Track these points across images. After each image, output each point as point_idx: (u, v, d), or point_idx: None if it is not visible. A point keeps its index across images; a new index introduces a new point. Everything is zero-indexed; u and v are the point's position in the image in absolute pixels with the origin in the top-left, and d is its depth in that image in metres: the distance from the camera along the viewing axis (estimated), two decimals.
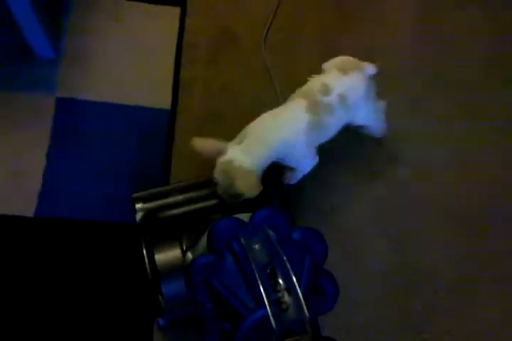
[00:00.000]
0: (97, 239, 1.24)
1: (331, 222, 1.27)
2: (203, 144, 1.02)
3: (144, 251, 1.03)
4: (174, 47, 1.44)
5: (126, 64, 1.40)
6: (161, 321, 1.00)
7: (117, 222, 1.25)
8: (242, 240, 0.69)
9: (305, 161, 1.15)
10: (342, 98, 1.10)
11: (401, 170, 1.37)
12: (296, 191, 1.28)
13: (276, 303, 0.63)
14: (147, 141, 1.33)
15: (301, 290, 0.63)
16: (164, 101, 1.38)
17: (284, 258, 0.66)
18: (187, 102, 1.39)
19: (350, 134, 1.36)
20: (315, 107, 1.08)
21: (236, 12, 1.50)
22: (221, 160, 1.01)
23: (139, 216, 1.14)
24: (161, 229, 1.08)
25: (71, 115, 1.32)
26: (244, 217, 0.78)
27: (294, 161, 1.13)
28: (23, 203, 1.22)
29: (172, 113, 1.37)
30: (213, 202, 1.17)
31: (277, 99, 1.41)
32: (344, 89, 1.10)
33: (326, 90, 1.09)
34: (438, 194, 1.37)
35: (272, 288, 0.64)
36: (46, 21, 1.30)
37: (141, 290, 1.15)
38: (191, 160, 1.33)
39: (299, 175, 1.19)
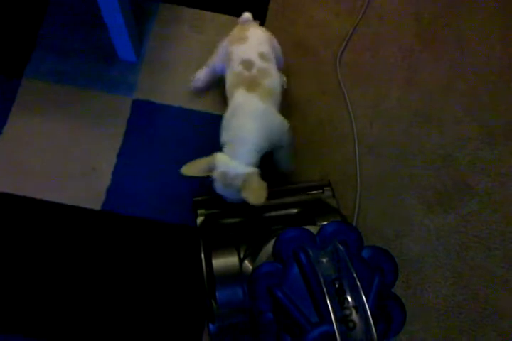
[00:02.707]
0: (155, 238, 1.26)
1: (394, 249, 1.23)
2: (191, 169, 0.98)
3: (202, 255, 1.04)
4: None
5: None
6: (211, 327, 0.99)
7: (176, 223, 1.27)
8: (310, 252, 0.67)
9: (284, 129, 1.12)
10: (262, 56, 1.10)
11: (474, 203, 1.32)
12: (359, 214, 1.26)
13: (342, 321, 0.61)
14: (215, 147, 1.35)
15: (369, 309, 0.61)
16: None
17: (354, 275, 0.64)
18: None
19: (420, 162, 1.33)
20: (256, 85, 1.06)
21: (313, 29, 1.51)
22: (215, 174, 0.99)
23: (199, 220, 1.15)
24: (220, 235, 1.08)
25: (145, 117, 1.37)
26: (312, 229, 0.76)
27: (278, 138, 1.11)
28: (93, 197, 1.27)
29: None
30: (273, 213, 1.17)
31: (349, 117, 1.40)
32: (256, 50, 1.10)
33: (248, 65, 1.08)
34: None
35: (339, 305, 0.62)
36: (132, 27, 1.36)
37: (195, 294, 1.15)
38: None
39: (289, 151, 1.17)
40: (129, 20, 1.31)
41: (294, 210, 1.16)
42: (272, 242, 0.76)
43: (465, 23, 1.53)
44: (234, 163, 0.99)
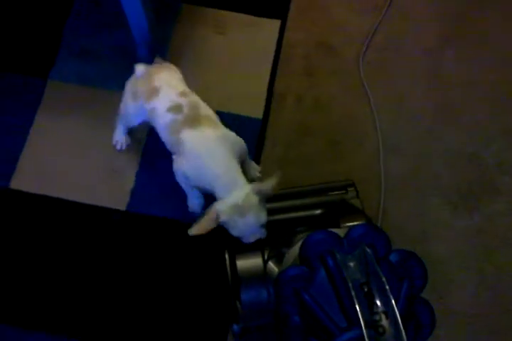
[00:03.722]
0: (180, 238, 1.27)
1: (419, 251, 1.22)
2: (199, 229, 0.97)
3: (227, 256, 1.04)
4: (271, 59, 1.46)
5: (225, 72, 1.44)
6: (235, 327, 0.99)
7: None
8: (338, 255, 0.67)
9: (243, 143, 1.13)
10: (183, 94, 1.10)
11: (500, 203, 1.30)
12: (383, 213, 1.25)
13: (371, 326, 0.60)
14: None
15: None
16: (257, 111, 1.40)
17: (383, 279, 0.63)
18: (279, 113, 1.40)
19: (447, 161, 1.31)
20: (195, 119, 1.06)
21: (336, 28, 1.50)
22: (226, 217, 0.97)
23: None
24: None
25: None
26: (338, 232, 0.76)
27: (244, 152, 1.13)
28: (118, 197, 1.29)
29: (263, 122, 1.39)
30: (297, 214, 1.17)
31: (372, 116, 1.39)
32: (175, 93, 1.10)
33: (177, 109, 1.07)
34: None
35: (368, 309, 0.61)
36: (155, 29, 1.37)
37: (220, 295, 1.16)
38: (277, 169, 1.34)
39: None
40: (152, 21, 1.32)
41: (318, 211, 1.15)
42: (299, 244, 0.75)
43: (489, 21, 1.50)
44: (236, 194, 0.97)
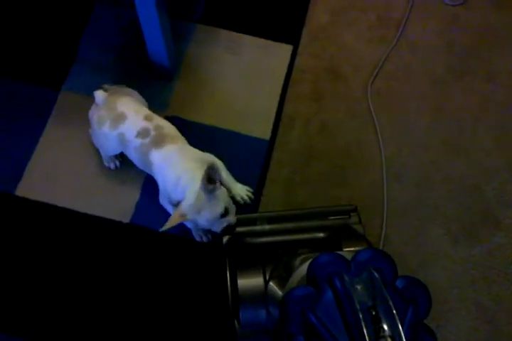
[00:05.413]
0: (181, 254, 1.28)
1: (418, 278, 1.22)
2: (168, 226, 1.03)
3: (228, 274, 1.04)
4: (282, 82, 1.48)
5: (235, 93, 1.46)
6: None
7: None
8: (346, 278, 0.68)
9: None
10: (147, 117, 1.16)
11: (500, 236, 1.31)
12: (384, 239, 1.26)
13: None
14: (242, 167, 1.36)
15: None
16: (265, 132, 1.41)
17: (391, 303, 0.64)
18: (286, 135, 1.42)
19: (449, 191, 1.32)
20: (160, 140, 1.13)
21: (346, 56, 1.53)
22: (192, 209, 1.03)
23: (225, 239, 1.16)
24: (246, 255, 1.08)
25: None
26: (344, 254, 0.76)
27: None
28: (122, 210, 1.29)
29: (270, 144, 1.41)
30: (300, 236, 1.17)
31: (377, 143, 1.41)
32: (140, 117, 1.15)
33: (144, 133, 1.13)
34: None
35: (374, 333, 0.61)
36: (170, 47, 1.40)
37: (218, 312, 1.15)
38: (282, 191, 1.35)
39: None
40: (168, 38, 1.35)
41: (321, 234, 1.16)
42: (305, 266, 0.76)
43: (496, 56, 1.54)
44: (189, 193, 1.03)
